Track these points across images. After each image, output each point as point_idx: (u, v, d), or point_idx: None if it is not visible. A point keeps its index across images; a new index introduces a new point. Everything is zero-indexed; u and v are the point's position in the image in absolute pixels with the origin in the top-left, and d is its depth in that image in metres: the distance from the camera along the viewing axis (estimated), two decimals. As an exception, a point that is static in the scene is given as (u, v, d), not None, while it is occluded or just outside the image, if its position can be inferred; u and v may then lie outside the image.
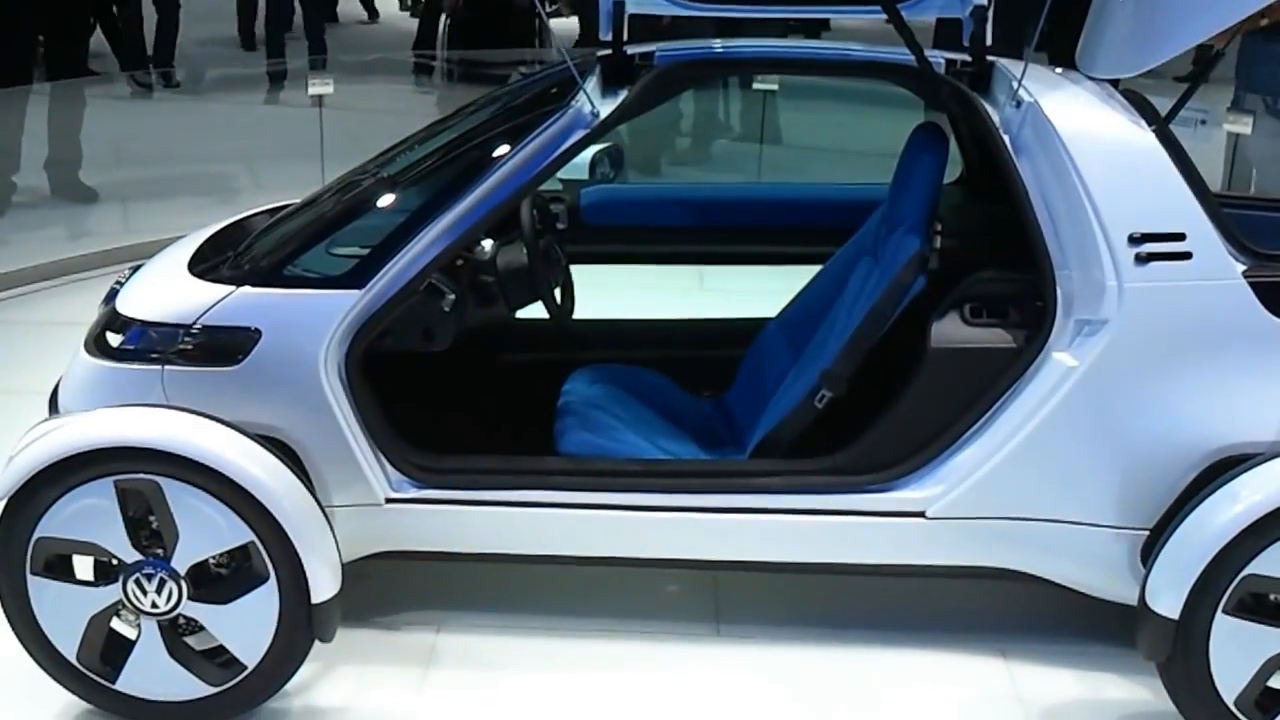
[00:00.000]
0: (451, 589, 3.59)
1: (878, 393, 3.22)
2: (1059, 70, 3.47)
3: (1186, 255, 2.97)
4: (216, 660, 3.03)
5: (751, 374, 3.82)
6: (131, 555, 2.94)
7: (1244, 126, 5.83)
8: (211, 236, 3.63)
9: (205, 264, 3.37)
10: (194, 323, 3.16)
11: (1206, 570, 2.83)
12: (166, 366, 3.14)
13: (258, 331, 3.12)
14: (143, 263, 3.66)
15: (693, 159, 8.65)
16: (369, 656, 3.33)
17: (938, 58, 3.52)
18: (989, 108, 3.26)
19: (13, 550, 2.95)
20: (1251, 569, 2.83)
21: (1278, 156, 6.13)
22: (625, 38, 3.47)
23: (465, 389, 3.83)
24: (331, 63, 9.80)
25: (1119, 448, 3.05)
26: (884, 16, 3.23)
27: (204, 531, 2.93)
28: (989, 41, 3.42)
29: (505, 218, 3.30)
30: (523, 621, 3.48)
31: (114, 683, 3.02)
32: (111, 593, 2.96)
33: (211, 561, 3.00)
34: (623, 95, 3.29)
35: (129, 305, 3.30)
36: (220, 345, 3.14)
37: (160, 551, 2.95)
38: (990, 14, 3.39)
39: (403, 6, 14.11)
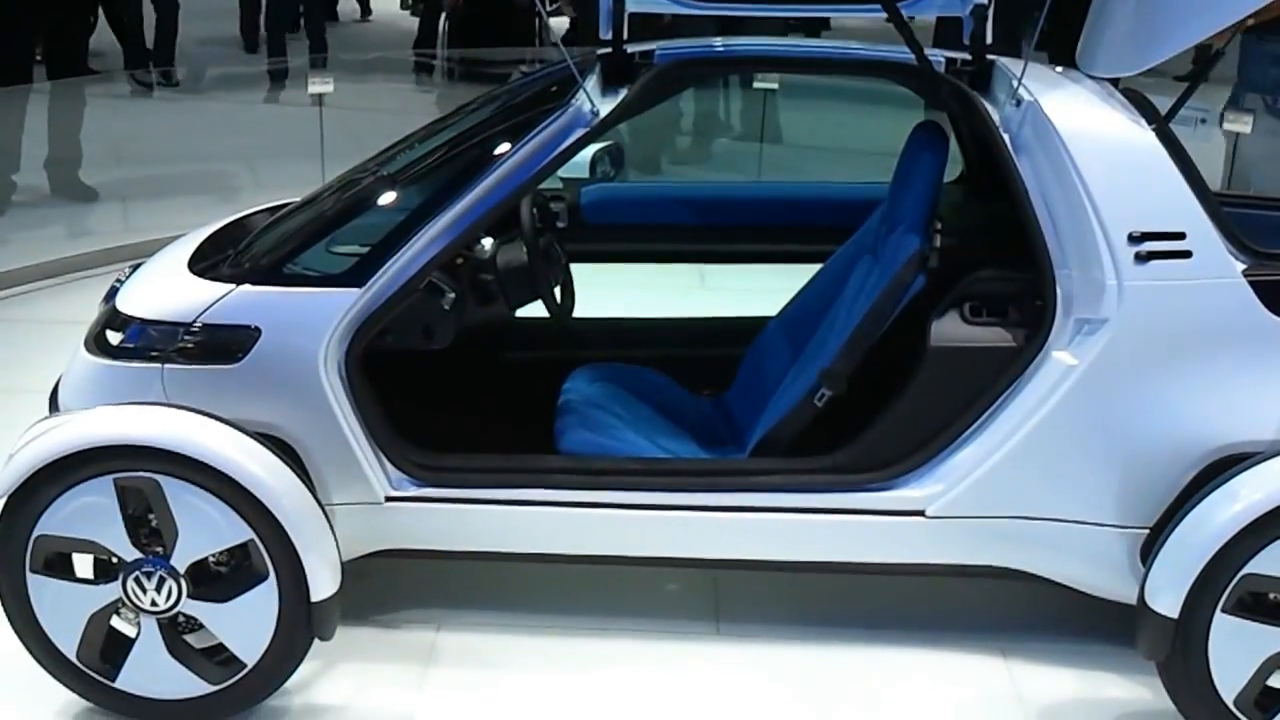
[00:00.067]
0: (451, 587, 3.59)
1: (877, 391, 3.22)
2: (1059, 69, 3.47)
3: (1186, 254, 2.97)
4: (216, 658, 3.03)
5: (751, 373, 3.82)
6: (131, 553, 2.94)
7: (1244, 125, 5.83)
8: (211, 235, 3.63)
9: (205, 262, 3.37)
10: (194, 321, 3.16)
11: (1206, 569, 2.83)
12: (166, 365, 3.15)
13: (258, 330, 3.12)
14: (143, 261, 3.66)
15: (693, 158, 8.64)
16: (369, 655, 3.33)
17: (938, 56, 3.51)
18: (989, 106, 3.26)
19: (12, 548, 2.95)
20: (1251, 568, 2.83)
21: (1274, 155, 6.14)
22: (625, 36, 3.47)
23: (465, 387, 3.83)
24: (332, 61, 9.80)
25: (1118, 446, 3.05)
26: (884, 15, 3.23)
27: (203, 530, 2.93)
28: (989, 40, 3.42)
29: (505, 216, 3.31)
30: (522, 620, 3.48)
31: (114, 681, 3.02)
32: (111, 591, 2.96)
33: (211, 560, 3.00)
34: (623, 94, 3.29)
35: (129, 303, 3.30)
36: (220, 343, 3.14)
37: (160, 550, 2.95)
38: (990, 13, 3.39)
39: (403, 5, 14.09)
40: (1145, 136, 3.07)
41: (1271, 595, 2.88)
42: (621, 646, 3.40)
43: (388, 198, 3.40)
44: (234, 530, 2.93)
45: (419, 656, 3.35)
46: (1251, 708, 2.89)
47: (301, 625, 2.98)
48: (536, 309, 3.58)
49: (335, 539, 3.01)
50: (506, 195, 3.18)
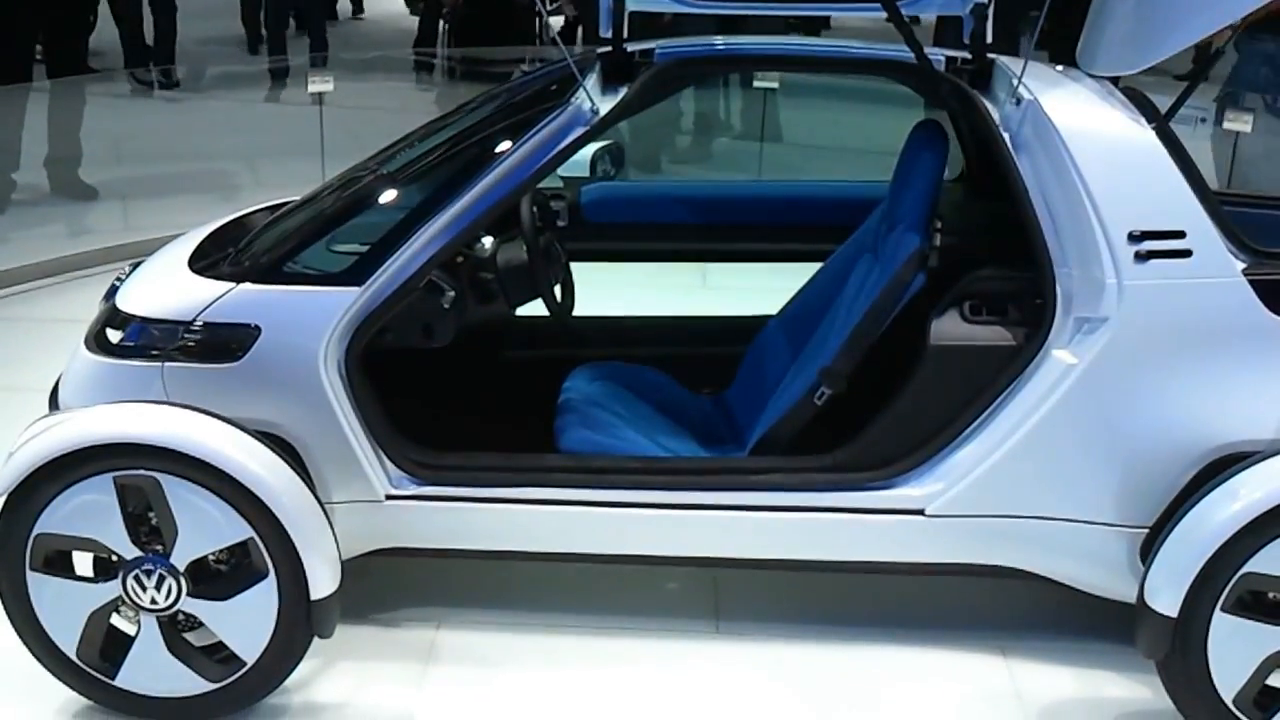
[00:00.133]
0: (451, 586, 3.60)
1: (877, 390, 3.22)
2: (1059, 68, 3.47)
3: (1186, 253, 2.97)
4: (216, 656, 3.04)
5: (752, 371, 3.82)
6: (131, 551, 2.94)
7: (1244, 125, 5.83)
8: (212, 233, 3.63)
9: (205, 261, 3.37)
10: (194, 319, 3.16)
11: (1205, 568, 2.83)
12: (166, 363, 3.15)
13: (257, 328, 3.12)
14: (143, 260, 3.66)
15: (693, 157, 8.65)
16: (368, 653, 3.33)
17: (938, 55, 3.51)
18: (989, 105, 3.26)
19: (12, 546, 2.95)
20: (1250, 567, 2.83)
21: (1270, 154, 6.14)
22: (625, 35, 3.47)
23: (465, 386, 3.83)
24: (332, 60, 9.80)
25: (1118, 445, 3.05)
26: (884, 14, 3.23)
27: (203, 528, 2.93)
28: (989, 39, 3.42)
29: (505, 215, 3.31)
30: (522, 618, 3.48)
31: (113, 679, 3.03)
32: (111, 589, 2.96)
33: (211, 558, 3.01)
34: (623, 92, 3.29)
35: (129, 302, 3.30)
36: (220, 342, 3.14)
37: (160, 548, 2.95)
38: (991, 12, 3.39)
39: (408, 3, 14.09)
40: (1145, 135, 3.07)
41: (1271, 594, 2.89)
42: (621, 645, 3.40)
43: (388, 196, 3.40)
44: (234, 528, 2.93)
45: (419, 655, 3.35)
46: (1250, 706, 2.90)
47: (301, 623, 2.98)
48: (536, 307, 3.58)
49: (335, 537, 3.01)
50: (506, 194, 3.18)
